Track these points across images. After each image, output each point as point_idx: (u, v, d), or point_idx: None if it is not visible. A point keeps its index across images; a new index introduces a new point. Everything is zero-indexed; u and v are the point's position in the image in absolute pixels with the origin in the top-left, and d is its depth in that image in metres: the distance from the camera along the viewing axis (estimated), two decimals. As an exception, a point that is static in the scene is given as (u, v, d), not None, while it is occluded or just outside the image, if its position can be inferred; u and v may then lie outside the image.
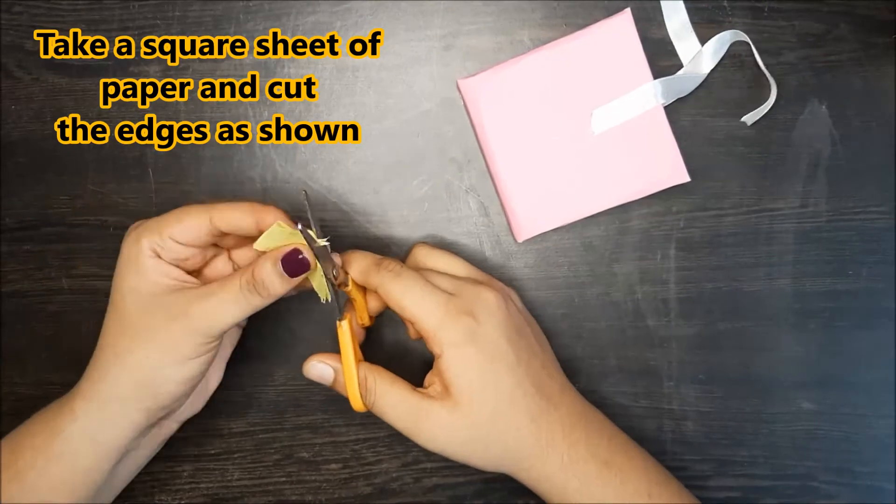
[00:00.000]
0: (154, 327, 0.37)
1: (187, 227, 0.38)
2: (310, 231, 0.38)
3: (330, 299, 0.40)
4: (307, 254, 0.38)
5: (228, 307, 0.37)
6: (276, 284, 0.37)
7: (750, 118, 0.46)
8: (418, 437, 0.39)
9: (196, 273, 0.41)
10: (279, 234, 0.38)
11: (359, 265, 0.41)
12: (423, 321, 0.39)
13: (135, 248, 0.38)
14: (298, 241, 0.38)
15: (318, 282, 0.40)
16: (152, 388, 0.38)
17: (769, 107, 0.45)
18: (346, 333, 0.40)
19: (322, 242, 0.38)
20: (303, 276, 0.38)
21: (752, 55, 0.46)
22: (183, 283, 0.39)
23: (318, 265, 0.39)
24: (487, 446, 0.39)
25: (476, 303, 0.39)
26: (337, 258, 0.41)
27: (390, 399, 0.39)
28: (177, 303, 0.37)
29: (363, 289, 0.42)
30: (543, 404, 0.39)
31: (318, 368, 0.40)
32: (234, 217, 0.38)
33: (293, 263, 0.38)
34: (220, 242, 0.42)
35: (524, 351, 0.40)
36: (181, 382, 0.38)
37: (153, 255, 0.38)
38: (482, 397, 0.38)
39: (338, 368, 0.40)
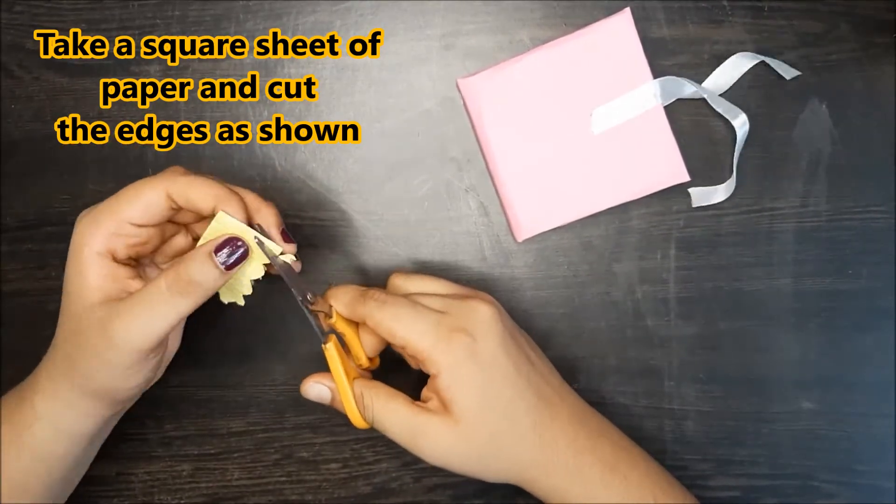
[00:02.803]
0: (91, 340, 0.35)
1: (144, 206, 0.35)
2: (263, 240, 0.36)
3: (245, 297, 0.38)
4: (245, 240, 0.35)
5: (153, 319, 0.34)
6: (211, 278, 0.35)
7: (697, 199, 0.46)
8: (420, 452, 0.38)
9: (155, 251, 0.39)
10: (225, 226, 0.36)
11: (343, 298, 0.39)
12: (416, 344, 0.37)
13: (80, 245, 0.36)
14: (246, 235, 0.36)
15: (236, 279, 0.37)
16: (109, 393, 0.37)
17: (742, 143, 0.46)
18: (334, 355, 0.39)
19: (285, 259, 0.37)
20: (240, 265, 0.36)
21: (752, 55, 0.46)
22: (122, 290, 0.36)
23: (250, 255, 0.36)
24: (490, 462, 0.38)
25: (469, 318, 0.38)
26: (297, 265, 0.38)
27: (389, 415, 0.38)
28: (104, 320, 0.35)
29: (355, 325, 0.41)
30: (545, 413, 0.38)
31: (316, 389, 0.40)
32: (194, 196, 0.35)
33: (230, 253, 0.35)
34: (177, 218, 0.39)
35: (523, 362, 0.39)
36: (134, 387, 0.37)
37: (104, 254, 0.35)
38: (483, 415, 0.37)
39: (333, 388, 0.39)
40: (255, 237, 0.36)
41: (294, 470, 0.47)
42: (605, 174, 0.46)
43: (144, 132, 0.47)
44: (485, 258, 0.47)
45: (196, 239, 0.40)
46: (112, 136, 0.47)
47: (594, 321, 0.47)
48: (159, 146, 0.47)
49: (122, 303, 0.35)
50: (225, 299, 0.38)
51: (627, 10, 0.45)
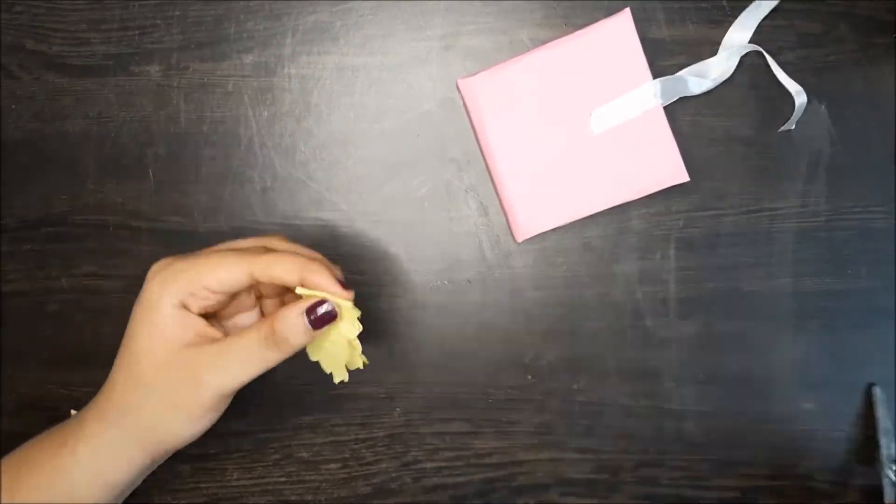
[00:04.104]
0: (171, 385, 0.36)
1: (224, 279, 0.36)
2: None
3: (346, 379, 0.39)
4: (334, 304, 0.36)
5: (243, 367, 0.36)
6: (300, 337, 0.36)
7: (788, 125, 0.45)
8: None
9: (220, 316, 0.40)
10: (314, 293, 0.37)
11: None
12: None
13: (158, 295, 0.36)
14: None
15: (336, 354, 0.38)
16: (161, 441, 0.37)
17: (801, 111, 0.45)
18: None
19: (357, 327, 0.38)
20: (327, 327, 0.37)
21: (753, 54, 0.46)
22: (202, 337, 0.37)
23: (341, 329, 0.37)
24: None
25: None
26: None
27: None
28: (193, 362, 0.36)
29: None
30: None
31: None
32: (278, 273, 0.36)
33: (319, 314, 0.36)
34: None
35: None
36: (191, 437, 0.38)
37: (178, 306, 0.36)
38: None
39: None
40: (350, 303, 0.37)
41: (294, 470, 0.47)
42: (604, 174, 0.46)
43: (144, 132, 0.47)
44: (485, 258, 0.47)
45: (259, 297, 0.41)
46: (112, 137, 0.47)
47: (594, 321, 0.47)
48: (159, 146, 0.47)
49: (212, 346, 0.36)
50: (329, 370, 0.39)
51: (627, 11, 0.45)
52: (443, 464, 0.47)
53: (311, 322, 0.36)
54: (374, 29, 0.47)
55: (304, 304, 0.36)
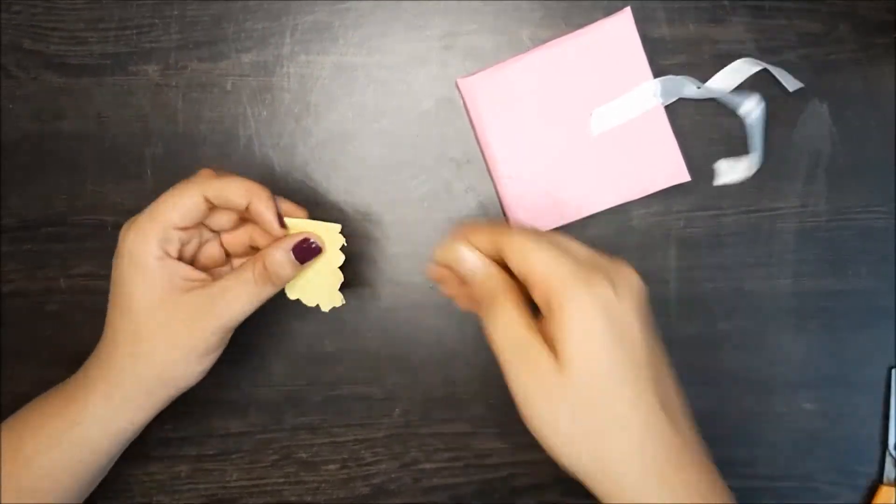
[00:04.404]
0: (173, 328, 0.38)
1: (184, 210, 0.38)
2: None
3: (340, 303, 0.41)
4: (318, 240, 0.39)
5: (245, 300, 0.38)
6: (288, 271, 0.39)
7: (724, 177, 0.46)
8: (515, 376, 0.32)
9: (191, 261, 0.41)
10: (297, 226, 0.40)
11: (478, 231, 0.36)
12: (551, 273, 0.32)
13: (138, 247, 0.38)
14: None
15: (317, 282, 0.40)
16: (172, 383, 0.39)
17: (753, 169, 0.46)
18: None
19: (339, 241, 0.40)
20: (312, 261, 0.40)
21: (753, 53, 0.46)
22: (192, 281, 0.39)
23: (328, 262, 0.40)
24: (581, 435, 0.31)
25: (617, 273, 0.33)
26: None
27: (505, 318, 0.33)
28: (196, 303, 0.38)
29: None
30: (665, 422, 0.31)
31: (468, 255, 0.36)
32: (228, 194, 0.38)
33: (304, 251, 0.39)
34: (210, 223, 0.41)
35: (656, 353, 0.33)
36: (199, 375, 0.40)
37: (160, 254, 0.38)
38: (592, 376, 0.31)
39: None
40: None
41: (293, 471, 0.47)
42: (605, 174, 0.46)
43: (144, 132, 0.47)
44: (484, 258, 0.47)
45: (225, 249, 0.43)
46: (112, 136, 0.47)
47: (594, 321, 0.47)
48: (157, 146, 0.47)
49: (210, 288, 0.38)
50: (314, 303, 0.41)
51: (627, 10, 0.45)
52: (442, 464, 0.47)
53: (297, 258, 0.39)
54: (374, 28, 0.47)
55: (291, 241, 0.39)
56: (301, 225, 0.40)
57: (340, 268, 0.40)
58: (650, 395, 0.31)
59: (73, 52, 0.47)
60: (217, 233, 0.42)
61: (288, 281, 0.40)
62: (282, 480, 0.47)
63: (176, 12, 0.47)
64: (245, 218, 0.41)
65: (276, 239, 0.39)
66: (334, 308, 0.41)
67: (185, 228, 0.39)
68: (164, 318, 0.38)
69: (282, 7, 0.47)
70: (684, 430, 0.32)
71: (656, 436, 0.31)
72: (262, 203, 0.39)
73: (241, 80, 0.47)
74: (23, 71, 0.47)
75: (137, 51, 0.47)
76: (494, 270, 0.35)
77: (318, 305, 0.41)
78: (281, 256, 0.39)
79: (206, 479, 0.47)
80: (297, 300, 0.41)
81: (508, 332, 0.33)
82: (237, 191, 0.38)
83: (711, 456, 0.33)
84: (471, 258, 0.36)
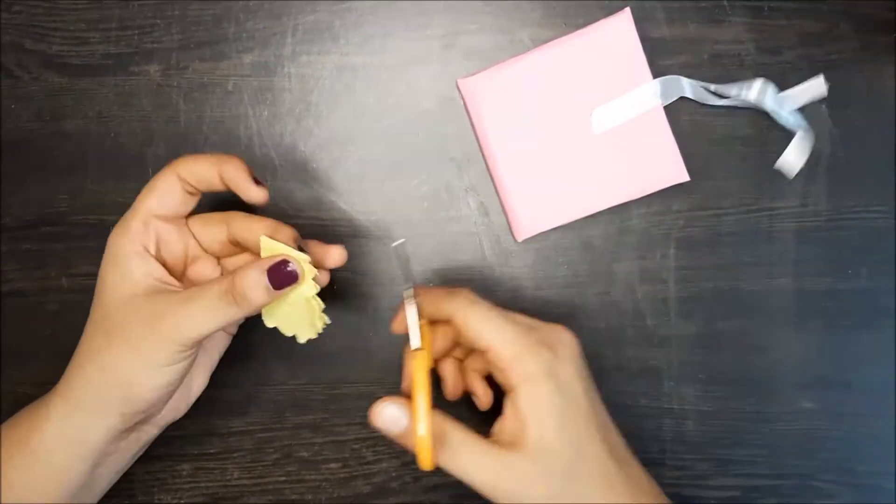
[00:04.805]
0: (130, 330, 0.36)
1: (160, 192, 0.38)
2: (307, 257, 0.37)
3: (318, 333, 0.38)
4: (297, 266, 0.36)
5: (205, 316, 0.35)
6: (259, 296, 0.36)
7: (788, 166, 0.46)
8: (496, 494, 0.35)
9: (180, 276, 0.40)
10: (274, 249, 0.37)
11: (429, 295, 0.39)
12: (502, 349, 0.36)
13: (119, 242, 0.37)
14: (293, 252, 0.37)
15: (297, 314, 0.38)
16: (126, 392, 0.37)
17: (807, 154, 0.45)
18: (423, 368, 0.35)
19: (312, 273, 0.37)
20: (289, 288, 0.37)
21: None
22: (165, 284, 0.37)
23: (307, 286, 0.37)
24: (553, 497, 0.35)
25: (554, 338, 0.38)
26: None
27: (467, 453, 0.35)
28: (154, 306, 0.36)
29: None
30: (614, 468, 0.36)
31: (391, 413, 0.36)
32: (199, 169, 0.38)
33: (281, 274, 0.36)
34: (200, 238, 0.40)
35: (596, 402, 0.38)
36: (155, 389, 0.37)
37: (140, 249, 0.37)
38: (559, 446, 0.35)
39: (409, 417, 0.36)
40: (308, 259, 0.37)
41: (294, 469, 0.47)
42: (605, 174, 0.46)
43: (144, 132, 0.47)
44: (485, 258, 0.47)
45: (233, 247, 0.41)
46: (112, 137, 0.47)
47: (594, 321, 0.47)
48: (158, 146, 0.47)
49: (175, 295, 0.36)
50: (290, 333, 0.39)
51: (627, 10, 0.45)
52: (443, 463, 0.47)
53: (271, 282, 0.36)
54: (374, 28, 0.47)
55: (267, 263, 0.36)
56: (274, 247, 0.37)
57: (319, 295, 0.38)
58: (598, 448, 0.36)
59: (75, 52, 0.47)
60: (218, 259, 0.41)
61: (257, 305, 0.36)
62: (283, 479, 0.47)
63: (177, 12, 0.47)
64: (244, 247, 0.40)
65: (254, 259, 0.37)
66: (326, 324, 0.39)
67: (165, 219, 0.38)
68: (128, 315, 0.36)
69: (283, 7, 0.47)
70: (628, 465, 0.37)
71: (612, 481, 0.36)
72: (230, 167, 0.37)
73: (243, 81, 0.47)
74: (24, 71, 0.47)
75: (139, 51, 0.47)
76: (428, 414, 0.35)
77: (294, 336, 0.39)
78: (253, 275, 0.35)
79: (208, 478, 0.47)
80: (276, 328, 0.39)
81: (476, 464, 0.35)
82: (205, 162, 0.38)
83: (651, 474, 0.39)
84: (392, 418, 0.37)
